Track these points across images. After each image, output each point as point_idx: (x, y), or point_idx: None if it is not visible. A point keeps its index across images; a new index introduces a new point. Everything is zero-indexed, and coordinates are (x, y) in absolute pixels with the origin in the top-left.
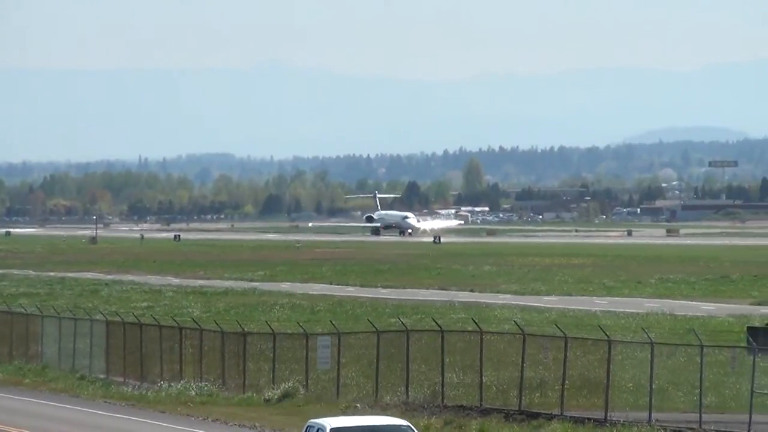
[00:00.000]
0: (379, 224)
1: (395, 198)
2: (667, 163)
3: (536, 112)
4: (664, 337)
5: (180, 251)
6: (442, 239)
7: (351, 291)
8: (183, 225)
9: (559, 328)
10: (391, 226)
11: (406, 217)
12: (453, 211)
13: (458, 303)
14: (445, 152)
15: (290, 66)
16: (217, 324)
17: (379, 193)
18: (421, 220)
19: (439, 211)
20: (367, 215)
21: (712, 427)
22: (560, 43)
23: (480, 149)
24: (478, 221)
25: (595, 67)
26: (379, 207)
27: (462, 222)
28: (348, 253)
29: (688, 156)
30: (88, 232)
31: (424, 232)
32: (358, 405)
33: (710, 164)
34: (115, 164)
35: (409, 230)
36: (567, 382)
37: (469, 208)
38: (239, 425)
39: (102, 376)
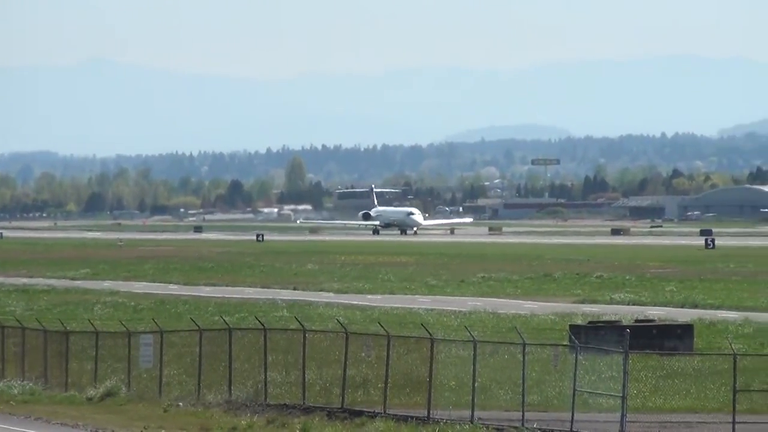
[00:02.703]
0: (377, 222)
1: (395, 193)
2: (490, 162)
3: (359, 111)
4: (487, 335)
5: (2, 249)
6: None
7: (173, 289)
8: (5, 223)
9: (382, 326)
10: (392, 224)
11: (411, 214)
12: (458, 208)
13: (281, 301)
14: (268, 150)
15: (112, 64)
16: (39, 322)
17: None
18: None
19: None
20: (363, 212)
21: (534, 425)
22: (383, 42)
23: (303, 147)
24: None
25: (418, 66)
26: (376, 203)
27: (471, 219)
28: (170, 251)
29: (510, 154)
30: None
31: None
32: (180, 404)
33: (533, 162)
34: None
35: (414, 228)
36: (390, 380)
37: (292, 207)
38: (61, 424)
39: None
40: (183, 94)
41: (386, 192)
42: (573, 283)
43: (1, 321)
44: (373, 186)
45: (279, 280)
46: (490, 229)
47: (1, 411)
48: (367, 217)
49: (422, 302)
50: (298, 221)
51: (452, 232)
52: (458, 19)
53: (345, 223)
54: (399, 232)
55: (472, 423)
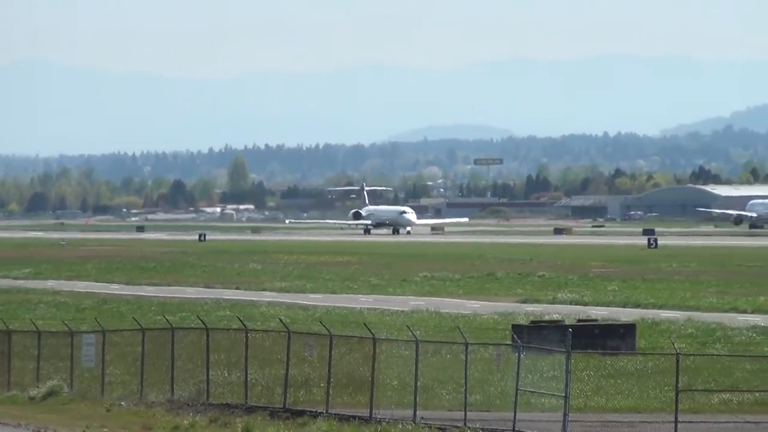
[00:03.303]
0: (369, 221)
1: (389, 191)
2: (433, 161)
3: (301, 111)
4: (430, 334)
5: None
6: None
7: (116, 289)
8: None
9: (324, 325)
10: (385, 223)
11: (404, 212)
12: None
13: (224, 301)
14: (211, 150)
15: (55, 63)
16: None
17: (369, 187)
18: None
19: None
20: (354, 211)
21: (477, 425)
22: (325, 41)
23: (245, 147)
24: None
25: (360, 66)
26: (367, 201)
27: (467, 219)
28: (113, 251)
29: (453, 154)
30: None
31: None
32: (123, 403)
33: (475, 162)
34: None
35: (408, 228)
36: (332, 379)
37: (234, 206)
38: (3, 423)
39: None
40: (125, 95)
41: (376, 190)
42: (515, 282)
43: None
44: (364, 184)
45: (221, 279)
46: (433, 228)
47: None
48: (357, 216)
49: (364, 301)
50: (287, 221)
51: (396, 232)
52: (399, 19)
53: (335, 222)
54: (391, 231)
55: (414, 423)
